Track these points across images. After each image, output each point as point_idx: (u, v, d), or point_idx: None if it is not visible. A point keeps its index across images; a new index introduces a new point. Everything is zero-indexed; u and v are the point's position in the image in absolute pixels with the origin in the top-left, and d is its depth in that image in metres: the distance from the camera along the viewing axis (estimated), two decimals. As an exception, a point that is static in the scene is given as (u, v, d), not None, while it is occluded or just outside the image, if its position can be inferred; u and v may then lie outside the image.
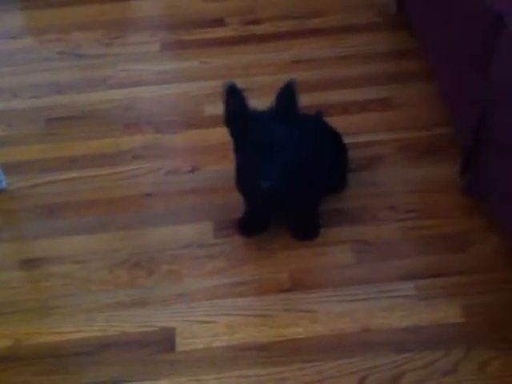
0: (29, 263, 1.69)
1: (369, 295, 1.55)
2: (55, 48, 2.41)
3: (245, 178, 1.56)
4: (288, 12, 2.47)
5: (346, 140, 1.80)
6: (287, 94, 1.46)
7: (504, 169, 1.51)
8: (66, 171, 1.92)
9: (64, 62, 2.34)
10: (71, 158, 1.96)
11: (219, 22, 2.46)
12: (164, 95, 2.18)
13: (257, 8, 2.51)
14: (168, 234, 1.72)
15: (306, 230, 1.70)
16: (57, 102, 2.17)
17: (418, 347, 1.44)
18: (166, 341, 1.49)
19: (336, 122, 1.83)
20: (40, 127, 2.08)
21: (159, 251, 1.68)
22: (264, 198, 1.55)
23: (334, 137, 1.78)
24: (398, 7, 2.34)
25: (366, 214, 1.74)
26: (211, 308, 1.55)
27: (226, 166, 1.82)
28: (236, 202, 1.70)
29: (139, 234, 1.73)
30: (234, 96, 1.48)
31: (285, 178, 1.46)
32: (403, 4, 2.28)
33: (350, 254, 1.64)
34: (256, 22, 2.45)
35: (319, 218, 1.71)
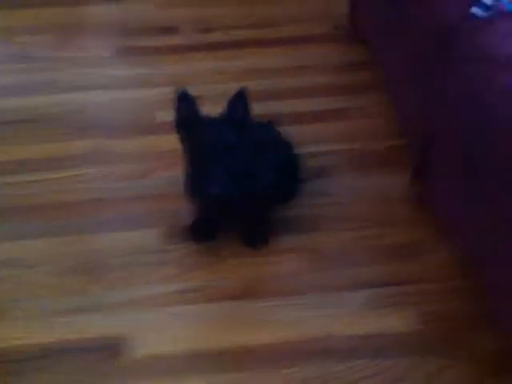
0: (-24, 267, 1.64)
1: (320, 304, 1.54)
2: (3, 50, 2.36)
3: (194, 184, 1.54)
4: (242, 22, 2.46)
5: (299, 149, 1.80)
6: (239, 101, 1.46)
7: (449, 181, 1.53)
8: (14, 175, 1.87)
9: (14, 64, 2.29)
10: (19, 162, 1.91)
11: (172, 30, 2.43)
12: (115, 100, 2.15)
13: (211, 17, 2.49)
14: (118, 239, 1.69)
15: (257, 237, 1.68)
16: (4, 105, 2.12)
17: (369, 355, 1.44)
18: (113, 348, 1.45)
19: (289, 131, 1.83)
20: (-13, 131, 2.03)
21: (109, 257, 1.65)
22: (212, 203, 1.54)
23: (285, 145, 1.77)
24: (351, 21, 2.34)
25: (318, 223, 1.73)
26: (161, 315, 1.52)
27: (176, 173, 1.78)
28: (186, 209, 1.67)
29: (89, 239, 1.70)
30: (185, 101, 1.47)
31: (233, 184, 1.44)
32: (355, 17, 2.28)
33: (301, 263, 1.63)
34: (210, 30, 2.43)
35: (269, 225, 1.70)
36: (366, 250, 1.67)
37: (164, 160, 1.90)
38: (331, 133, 2.01)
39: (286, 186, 1.77)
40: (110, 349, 1.45)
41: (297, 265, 1.63)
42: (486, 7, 1.48)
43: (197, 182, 1.51)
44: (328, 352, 1.45)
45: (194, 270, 1.62)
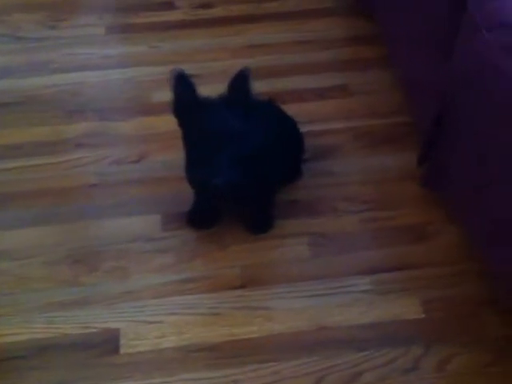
0: (-38, 259, 1.58)
1: (325, 291, 1.48)
2: (-4, 31, 2.29)
3: (195, 172, 1.44)
4: (241, -5, 2.38)
5: (302, 128, 1.72)
6: (240, 81, 1.37)
7: (462, 159, 1.45)
8: (5, 160, 1.80)
9: (4, 45, 2.22)
10: (9, 147, 1.84)
11: (169, 5, 2.35)
12: (110, 80, 2.08)
13: (208, -9, 2.41)
14: (113, 227, 1.62)
15: (260, 222, 1.62)
16: (-4, 87, 2.06)
17: (376, 345, 1.37)
18: (109, 343, 1.39)
19: (292, 109, 1.74)
20: (-23, 114, 1.97)
21: (103, 246, 1.58)
22: (216, 193, 1.46)
23: (289, 124, 1.70)
24: (354, -8, 2.27)
25: (322, 206, 1.66)
26: (158, 307, 1.45)
27: (174, 155, 1.72)
28: (185, 193, 1.59)
29: (82, 227, 1.63)
30: (182, 83, 1.38)
31: (238, 172, 1.37)
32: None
33: (305, 248, 1.57)
34: (207, 5, 2.35)
35: (273, 209, 1.63)
36: (372, 232, 1.60)
37: (161, 142, 1.83)
38: (335, 110, 1.93)
39: (290, 166, 1.70)
40: (107, 344, 1.39)
41: (300, 250, 1.56)
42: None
43: (198, 171, 1.41)
44: (330, 342, 1.38)
45: (193, 259, 1.55)
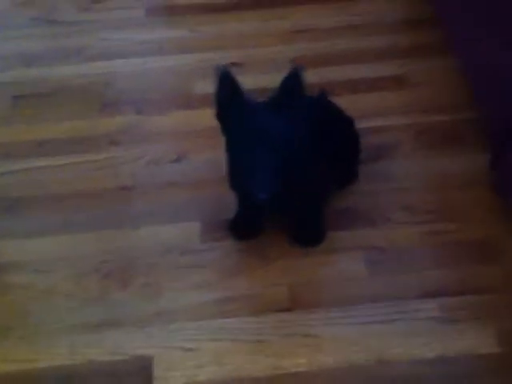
0: (-18, 271, 1.45)
1: (384, 317, 1.31)
2: (27, 13, 2.15)
3: (237, 181, 1.32)
4: (289, -25, 2.21)
5: (356, 125, 1.56)
6: (292, 82, 1.22)
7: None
8: (31, 158, 1.67)
9: (35, 29, 2.09)
10: (38, 143, 1.71)
11: (212, -15, 2.20)
12: (148, 69, 1.94)
13: (254, -29, 2.25)
14: (147, 236, 1.48)
15: (310, 235, 1.46)
16: (25, 76, 1.92)
17: (442, 384, 1.21)
18: (140, 373, 1.24)
19: (342, 103, 1.57)
20: (5, 105, 1.84)
21: (135, 258, 1.44)
22: (260, 205, 1.31)
23: (344, 122, 1.53)
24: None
25: (379, 215, 1.50)
26: (195, 331, 1.31)
27: (218, 154, 1.54)
28: (229, 198, 1.44)
29: (113, 236, 1.49)
30: (227, 86, 1.24)
31: (283, 182, 1.23)
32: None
33: (360, 264, 1.40)
34: (253, -15, 2.19)
35: (324, 219, 1.46)
36: (437, 248, 1.43)
37: (204, 139, 1.68)
38: (391, 104, 1.77)
39: (344, 169, 1.54)
40: (132, 374, 1.25)
41: (355, 267, 1.40)
42: None
43: (241, 180, 1.28)
44: (388, 381, 1.22)
45: (234, 275, 1.40)
